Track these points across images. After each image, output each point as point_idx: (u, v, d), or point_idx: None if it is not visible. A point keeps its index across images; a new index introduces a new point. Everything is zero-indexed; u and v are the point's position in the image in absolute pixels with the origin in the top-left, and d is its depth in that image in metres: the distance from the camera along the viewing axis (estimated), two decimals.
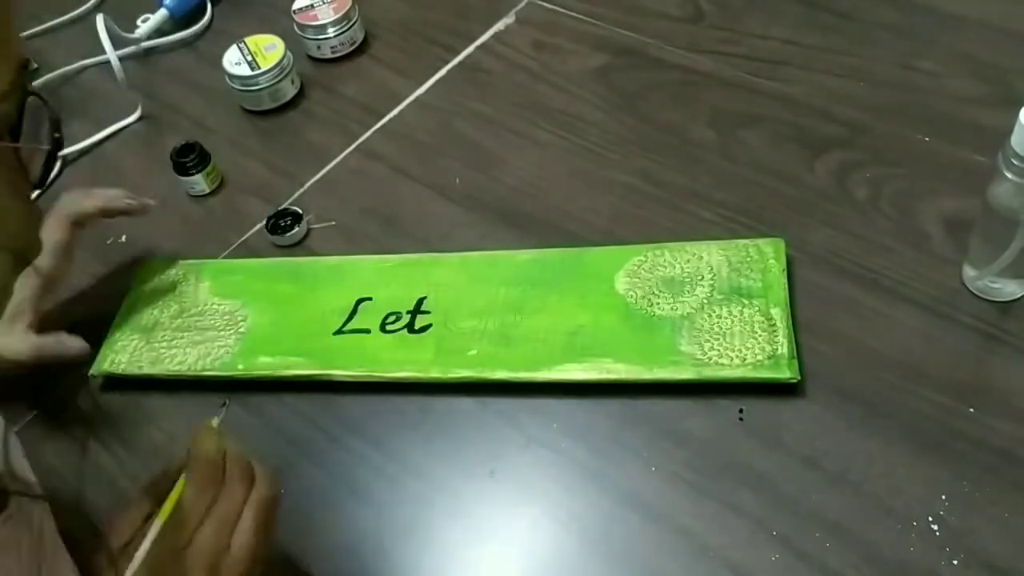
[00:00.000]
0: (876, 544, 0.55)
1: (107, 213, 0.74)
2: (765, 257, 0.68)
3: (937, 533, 0.55)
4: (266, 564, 0.54)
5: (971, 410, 0.60)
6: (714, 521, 0.57)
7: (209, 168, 0.86)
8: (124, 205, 0.74)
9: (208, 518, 0.52)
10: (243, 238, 0.82)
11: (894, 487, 0.57)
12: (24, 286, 0.68)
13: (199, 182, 0.86)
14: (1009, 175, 0.57)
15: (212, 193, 0.87)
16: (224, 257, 0.80)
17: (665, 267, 0.69)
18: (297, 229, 0.80)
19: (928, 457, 0.58)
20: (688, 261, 0.69)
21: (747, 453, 0.60)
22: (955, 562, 0.54)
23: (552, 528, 0.59)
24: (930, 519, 0.55)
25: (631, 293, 0.68)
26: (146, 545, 0.51)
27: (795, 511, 0.57)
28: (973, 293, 0.65)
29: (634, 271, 0.69)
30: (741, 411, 0.62)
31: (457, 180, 0.82)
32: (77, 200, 0.72)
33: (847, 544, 0.55)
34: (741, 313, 0.65)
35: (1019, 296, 0.64)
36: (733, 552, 0.56)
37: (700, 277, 0.68)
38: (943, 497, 0.56)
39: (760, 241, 0.69)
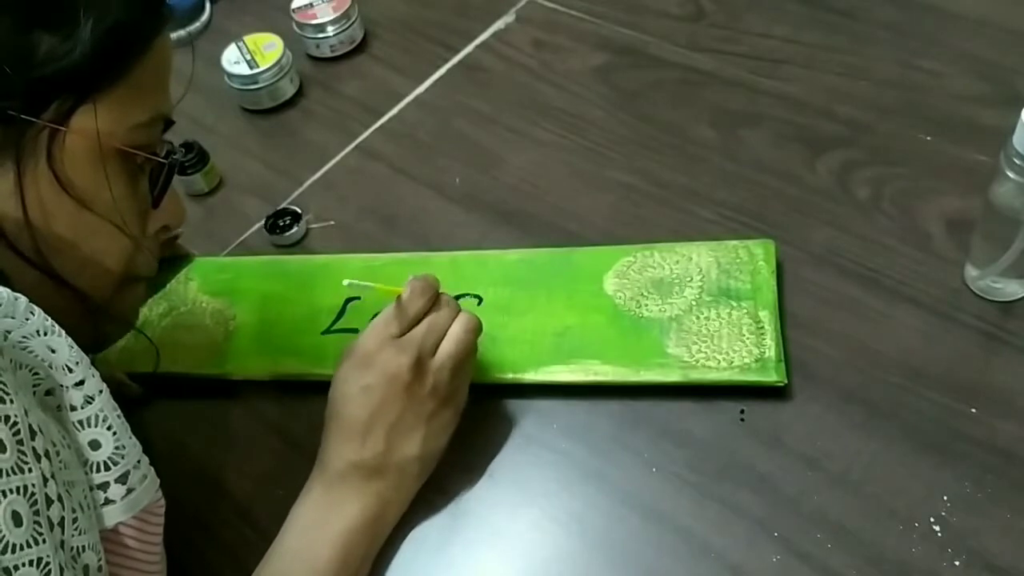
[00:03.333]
0: (878, 545, 0.55)
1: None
2: (755, 259, 0.67)
3: (939, 534, 0.55)
4: (463, 398, 0.61)
5: (973, 410, 0.59)
6: (715, 522, 0.57)
7: (208, 167, 0.85)
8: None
9: (422, 322, 0.58)
10: (242, 238, 0.82)
11: (896, 488, 0.57)
12: None
13: (197, 181, 0.85)
14: (1011, 174, 0.57)
15: (211, 192, 0.86)
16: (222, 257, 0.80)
17: (654, 268, 0.69)
18: (296, 229, 0.79)
19: (930, 457, 0.58)
20: (677, 262, 0.69)
21: (748, 454, 0.60)
22: (957, 563, 0.53)
23: (552, 529, 0.59)
24: (932, 520, 0.55)
25: (619, 294, 0.68)
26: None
27: (796, 512, 0.57)
28: (975, 293, 0.65)
29: (623, 272, 0.69)
30: (742, 412, 0.61)
31: (457, 179, 0.82)
32: None
33: (848, 545, 0.55)
34: (729, 315, 0.64)
35: (1021, 296, 0.64)
36: (734, 553, 0.56)
37: (689, 279, 0.67)
38: (945, 498, 0.56)
39: (750, 243, 0.68)
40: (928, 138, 0.76)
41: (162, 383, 0.70)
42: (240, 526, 0.62)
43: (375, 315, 0.70)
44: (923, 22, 0.86)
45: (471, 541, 0.59)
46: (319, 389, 0.67)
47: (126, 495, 0.46)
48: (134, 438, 0.47)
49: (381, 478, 0.57)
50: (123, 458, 0.46)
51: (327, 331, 0.70)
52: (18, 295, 0.42)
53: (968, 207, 0.69)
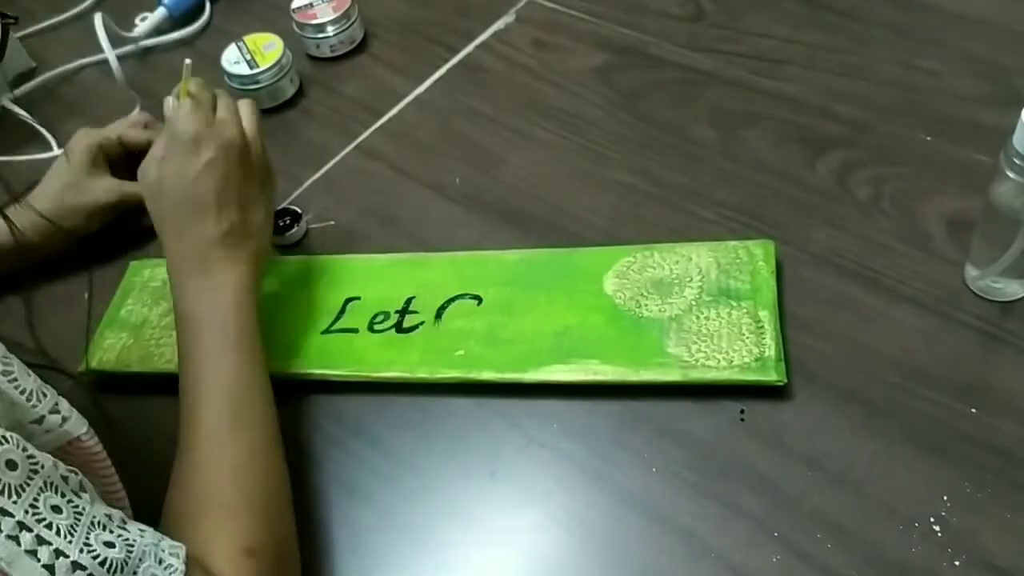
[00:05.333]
0: (877, 545, 0.55)
1: (128, 146, 0.79)
2: (754, 259, 0.67)
3: (939, 534, 0.55)
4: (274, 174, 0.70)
5: (973, 410, 0.59)
6: (715, 522, 0.57)
7: None
8: (144, 139, 0.78)
9: (219, 107, 0.66)
10: None
11: (896, 488, 0.57)
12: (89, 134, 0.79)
13: None
14: (1011, 174, 0.57)
15: None
16: None
17: (654, 268, 0.69)
18: (296, 229, 0.79)
19: (930, 458, 0.58)
20: (677, 262, 0.69)
21: (748, 453, 0.60)
22: (957, 563, 0.53)
23: (552, 529, 0.59)
24: (932, 520, 0.55)
25: (619, 294, 0.68)
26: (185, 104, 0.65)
27: (796, 512, 0.57)
28: (975, 293, 0.65)
29: (623, 272, 0.69)
30: (742, 411, 0.61)
31: (457, 180, 0.82)
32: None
33: (848, 545, 0.55)
34: (729, 315, 0.64)
35: (1021, 296, 0.64)
36: (734, 553, 0.56)
37: (689, 279, 0.67)
38: (945, 498, 0.56)
39: (750, 243, 0.68)
40: (928, 138, 0.76)
41: (162, 383, 0.70)
42: None
43: (375, 315, 0.70)
44: (923, 22, 0.86)
45: (471, 541, 0.60)
46: (319, 389, 0.68)
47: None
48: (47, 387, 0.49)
49: (244, 245, 0.63)
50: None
51: (327, 331, 0.70)
52: None
53: (968, 207, 0.69)
